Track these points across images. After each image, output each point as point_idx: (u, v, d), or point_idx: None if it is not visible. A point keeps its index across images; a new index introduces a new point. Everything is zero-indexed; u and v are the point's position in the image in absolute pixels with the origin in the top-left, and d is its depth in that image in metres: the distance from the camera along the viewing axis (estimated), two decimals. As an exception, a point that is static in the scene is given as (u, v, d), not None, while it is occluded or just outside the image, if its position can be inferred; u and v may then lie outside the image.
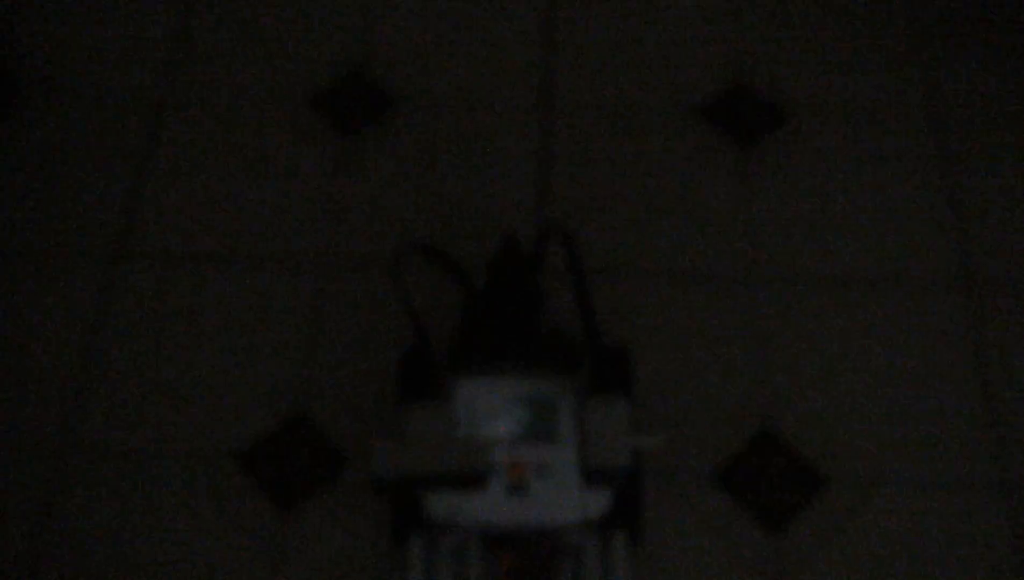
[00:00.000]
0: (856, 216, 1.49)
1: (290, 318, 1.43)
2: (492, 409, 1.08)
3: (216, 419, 1.38)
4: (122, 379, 1.40)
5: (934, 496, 1.31)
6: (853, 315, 1.41)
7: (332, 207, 1.51)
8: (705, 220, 1.50)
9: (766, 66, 1.60)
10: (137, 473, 1.34)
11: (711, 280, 1.44)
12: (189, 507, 1.32)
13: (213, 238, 1.49)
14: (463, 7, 1.66)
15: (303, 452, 1.37)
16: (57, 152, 1.58)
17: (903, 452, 1.34)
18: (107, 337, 1.43)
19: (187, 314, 1.44)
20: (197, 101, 1.61)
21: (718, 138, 1.53)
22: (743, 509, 1.30)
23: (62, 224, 1.51)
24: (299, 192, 1.52)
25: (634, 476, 1.20)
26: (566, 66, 1.60)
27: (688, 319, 1.42)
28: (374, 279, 1.46)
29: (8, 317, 1.44)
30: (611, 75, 1.61)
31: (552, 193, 1.49)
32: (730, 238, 1.48)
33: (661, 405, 1.36)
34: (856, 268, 1.45)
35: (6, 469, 1.33)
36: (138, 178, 1.55)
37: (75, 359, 1.41)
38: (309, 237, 1.49)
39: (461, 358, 1.12)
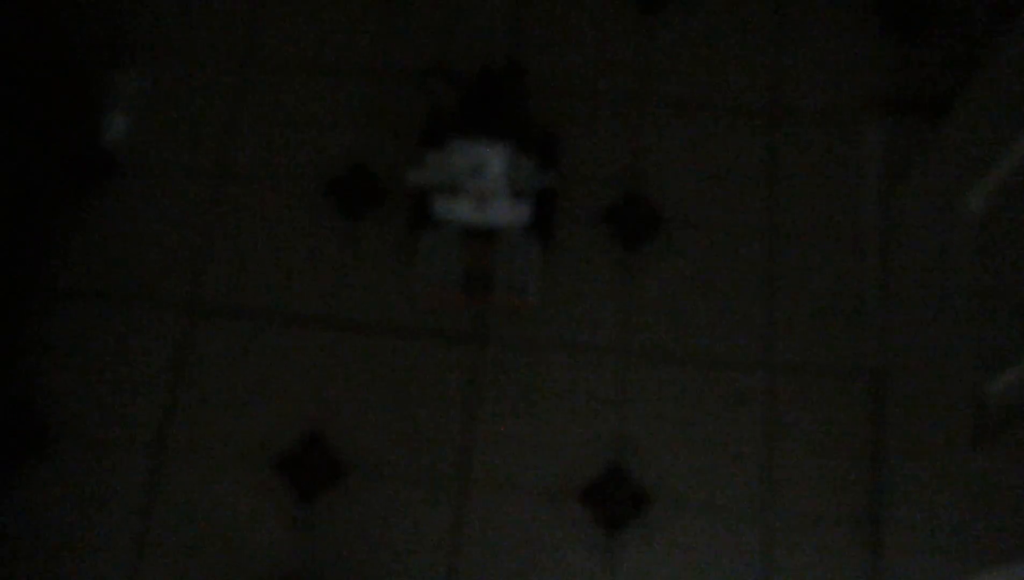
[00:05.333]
0: None
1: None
2: (470, 157, 1.92)
3: (314, 149, 2.21)
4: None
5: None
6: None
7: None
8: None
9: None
10: (269, 195, 2.20)
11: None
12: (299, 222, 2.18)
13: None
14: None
15: (363, 187, 2.20)
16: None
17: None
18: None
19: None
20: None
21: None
22: (612, 236, 2.17)
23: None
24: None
25: (549, 202, 2.10)
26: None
27: None
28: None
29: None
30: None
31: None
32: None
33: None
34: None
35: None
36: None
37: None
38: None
39: (457, 127, 1.96)
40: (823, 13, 2.31)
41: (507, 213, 1.97)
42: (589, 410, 2.02)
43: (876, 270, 2.08)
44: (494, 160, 1.90)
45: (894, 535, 1.86)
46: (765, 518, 1.93)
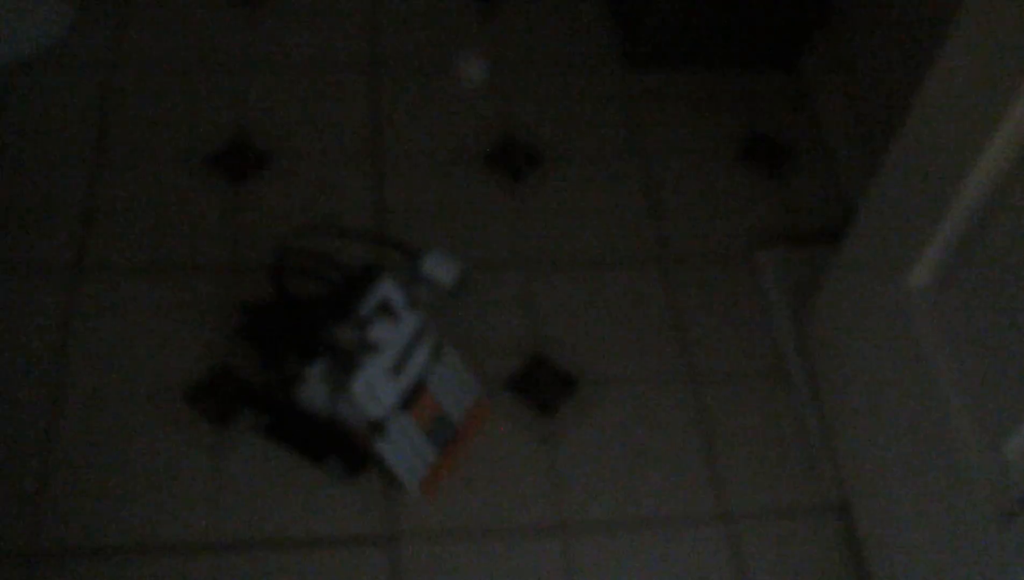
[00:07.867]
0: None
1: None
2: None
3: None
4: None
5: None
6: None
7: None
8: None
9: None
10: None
11: None
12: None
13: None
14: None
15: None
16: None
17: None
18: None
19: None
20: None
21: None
22: (525, 404, 1.94)
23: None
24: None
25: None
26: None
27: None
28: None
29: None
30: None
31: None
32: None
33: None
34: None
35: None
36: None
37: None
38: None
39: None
40: (690, 160, 2.28)
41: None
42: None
43: (808, 398, 1.93)
44: (390, 293, 1.67)
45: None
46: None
